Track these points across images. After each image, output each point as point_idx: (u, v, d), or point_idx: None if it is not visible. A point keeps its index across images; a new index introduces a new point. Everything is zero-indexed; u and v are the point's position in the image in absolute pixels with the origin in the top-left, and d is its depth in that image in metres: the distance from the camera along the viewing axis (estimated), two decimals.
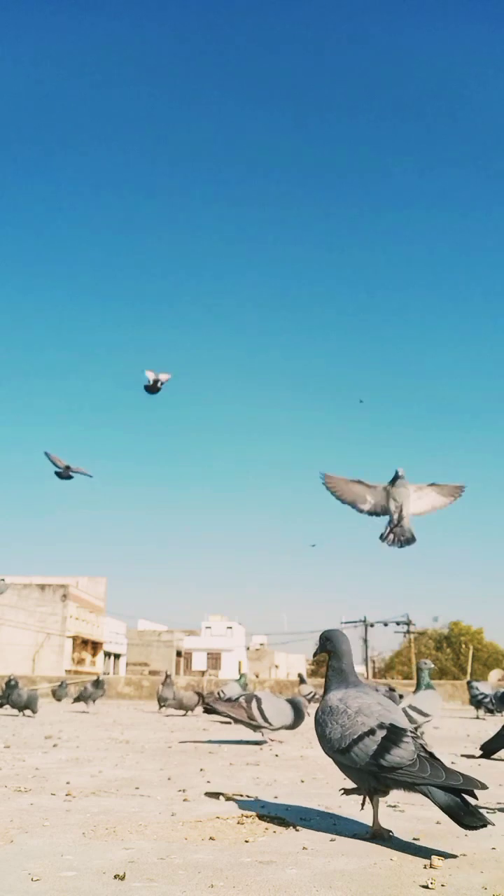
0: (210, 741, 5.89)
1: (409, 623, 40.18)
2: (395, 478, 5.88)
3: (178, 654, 44.11)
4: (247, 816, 2.69)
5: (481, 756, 4.98)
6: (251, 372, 71.76)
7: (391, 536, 5.90)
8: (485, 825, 2.19)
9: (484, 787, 2.26)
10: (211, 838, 2.38)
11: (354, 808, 2.96)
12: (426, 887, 1.87)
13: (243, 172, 69.69)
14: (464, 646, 41.48)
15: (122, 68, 68.02)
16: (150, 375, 8.49)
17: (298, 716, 5.91)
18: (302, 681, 12.69)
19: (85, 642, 35.45)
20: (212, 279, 70.99)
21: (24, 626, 31.95)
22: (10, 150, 63.48)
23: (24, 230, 67.14)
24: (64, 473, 8.48)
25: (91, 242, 68.69)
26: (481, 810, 2.30)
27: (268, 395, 72.01)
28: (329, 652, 2.72)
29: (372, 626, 40.22)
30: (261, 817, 2.69)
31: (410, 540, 5.87)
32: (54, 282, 68.24)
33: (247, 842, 2.34)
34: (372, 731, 2.38)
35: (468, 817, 2.22)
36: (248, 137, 70.24)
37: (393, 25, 65.50)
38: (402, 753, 2.32)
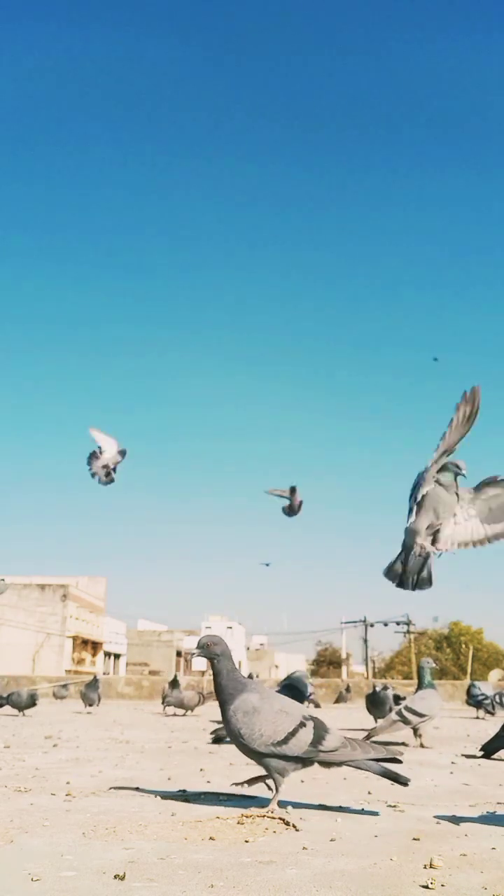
0: (210, 741, 5.89)
1: (409, 623, 40.16)
2: (451, 471, 3.48)
3: (178, 654, 44.08)
4: (247, 816, 2.69)
5: (482, 756, 4.98)
6: (251, 371, 71.73)
7: (400, 569, 3.61)
8: (408, 780, 2.91)
9: (401, 752, 2.94)
10: (211, 838, 2.38)
11: (355, 809, 2.97)
12: (426, 887, 1.87)
13: (243, 171, 69.67)
14: (464, 646, 41.42)
15: (122, 69, 68.00)
16: (279, 492, 7.18)
17: (298, 698, 5.83)
18: None
19: (85, 642, 35.46)
20: (213, 278, 70.94)
21: (24, 626, 31.95)
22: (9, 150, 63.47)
23: (23, 229, 67.11)
24: (105, 466, 6.46)
25: (90, 240, 68.67)
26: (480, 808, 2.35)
27: (268, 396, 71.98)
28: (216, 656, 2.96)
29: (372, 626, 40.20)
30: (261, 817, 2.69)
31: (425, 582, 3.60)
32: (52, 279, 68.18)
33: (247, 842, 2.34)
34: (303, 724, 2.80)
35: (402, 777, 2.88)
36: (247, 137, 70.20)
37: (395, 29, 65.46)
38: (333, 739, 2.81)
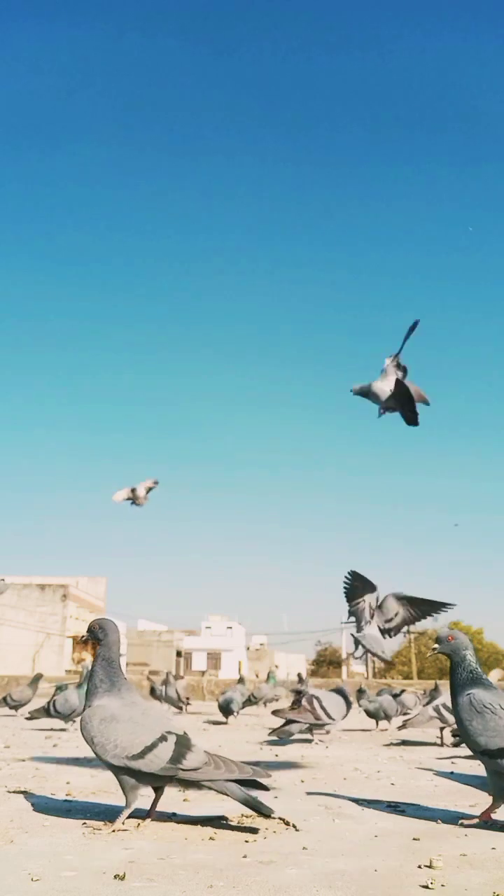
0: (209, 742, 5.89)
1: None
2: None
3: (178, 654, 44.10)
4: (247, 816, 2.69)
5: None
6: (251, 369, 71.76)
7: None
8: (271, 811, 2.56)
9: (268, 775, 2.60)
10: (211, 838, 2.38)
11: (355, 809, 2.97)
12: (426, 887, 1.87)
13: (243, 170, 69.68)
14: None
15: (121, 67, 68.03)
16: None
17: (348, 705, 5.95)
18: (300, 680, 12.66)
19: (85, 642, 35.46)
20: (211, 276, 70.98)
21: (24, 626, 31.95)
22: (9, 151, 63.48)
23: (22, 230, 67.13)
24: (138, 501, 7.51)
25: (89, 240, 68.69)
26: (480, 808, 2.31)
27: (268, 394, 72.02)
28: (98, 641, 2.77)
29: None
30: (261, 817, 2.69)
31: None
32: (52, 278, 68.22)
33: (247, 842, 2.34)
34: (164, 738, 2.55)
35: (264, 808, 2.55)
36: (247, 135, 70.24)
37: (395, 29, 65.50)
38: (197, 756, 2.55)
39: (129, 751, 2.51)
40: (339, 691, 5.94)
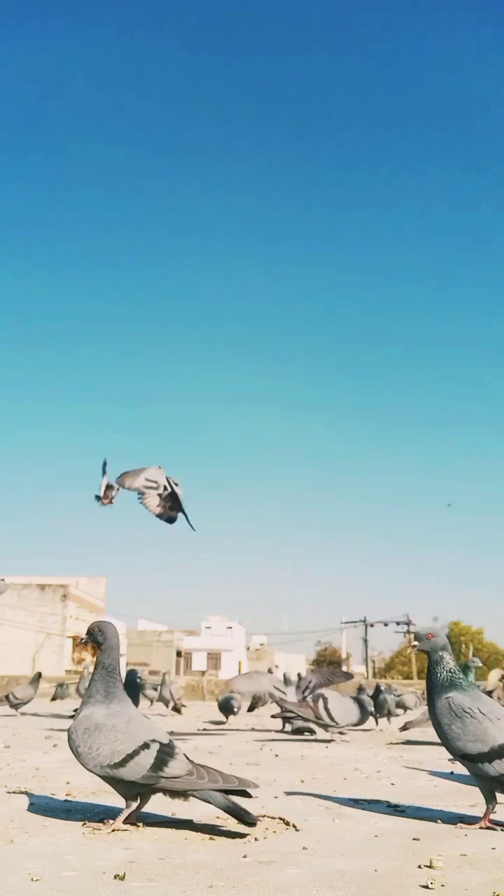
0: (209, 742, 5.89)
1: (409, 623, 40.19)
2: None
3: (178, 654, 44.11)
4: None
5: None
6: (251, 369, 71.74)
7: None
8: (255, 822, 2.48)
9: (255, 786, 2.56)
10: (211, 838, 2.38)
11: (355, 809, 2.97)
12: (426, 887, 1.87)
13: (243, 171, 69.68)
14: (464, 646, 41.43)
15: (121, 68, 68.03)
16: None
17: (364, 713, 5.99)
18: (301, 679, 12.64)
19: (84, 644, 35.40)
20: (212, 278, 70.98)
21: (24, 626, 31.96)
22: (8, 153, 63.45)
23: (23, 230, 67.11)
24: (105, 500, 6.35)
25: (89, 242, 68.70)
26: (480, 808, 2.31)
27: (268, 393, 72.00)
28: (98, 645, 2.75)
29: (372, 626, 40.27)
30: (261, 817, 2.69)
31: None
32: (53, 279, 68.20)
33: (247, 842, 2.34)
34: (146, 745, 2.53)
35: (249, 816, 2.46)
36: (246, 136, 70.22)
37: (395, 30, 65.47)
38: (179, 764, 2.50)
39: (111, 759, 2.50)
40: (357, 699, 6.00)
